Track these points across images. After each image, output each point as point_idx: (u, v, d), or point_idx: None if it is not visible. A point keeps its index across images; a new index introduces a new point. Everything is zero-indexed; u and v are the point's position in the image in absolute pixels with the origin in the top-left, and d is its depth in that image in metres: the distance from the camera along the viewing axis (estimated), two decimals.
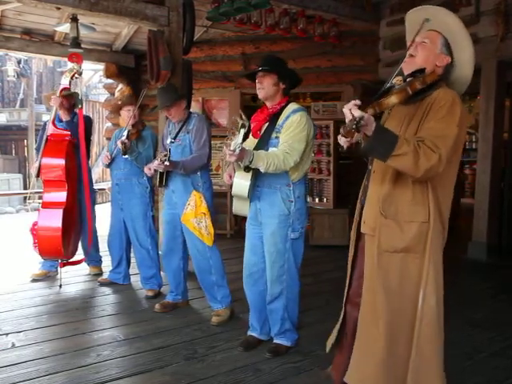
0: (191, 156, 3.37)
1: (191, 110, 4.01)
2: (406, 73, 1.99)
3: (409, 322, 1.91)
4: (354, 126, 1.69)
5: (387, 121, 2.10)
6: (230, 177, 2.87)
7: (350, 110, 1.73)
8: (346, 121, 1.75)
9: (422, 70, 1.94)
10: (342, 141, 2.05)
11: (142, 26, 4.86)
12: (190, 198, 3.35)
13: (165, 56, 4.29)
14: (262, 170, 2.60)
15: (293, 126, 2.66)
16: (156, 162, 3.26)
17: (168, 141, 3.53)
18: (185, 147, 3.42)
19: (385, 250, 1.95)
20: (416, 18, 2.04)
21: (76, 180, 4.10)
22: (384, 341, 1.92)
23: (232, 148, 2.47)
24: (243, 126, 2.69)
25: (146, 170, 3.58)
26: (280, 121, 2.72)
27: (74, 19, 4.75)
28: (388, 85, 1.95)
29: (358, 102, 1.77)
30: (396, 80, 1.95)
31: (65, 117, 4.19)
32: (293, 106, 2.76)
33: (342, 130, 1.79)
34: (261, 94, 2.76)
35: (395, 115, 2.06)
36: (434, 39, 1.98)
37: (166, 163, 3.17)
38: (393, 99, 1.83)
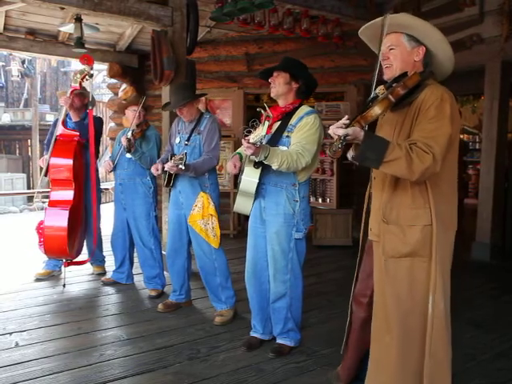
0: (202, 158, 3.31)
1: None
2: (388, 81, 1.98)
3: (420, 327, 1.90)
4: (339, 146, 1.67)
5: (381, 129, 2.08)
6: (235, 166, 2.83)
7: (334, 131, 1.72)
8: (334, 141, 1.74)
9: (404, 74, 1.91)
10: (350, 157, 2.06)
11: (146, 26, 4.86)
12: (198, 199, 3.32)
13: (168, 56, 4.30)
14: (275, 168, 2.58)
15: (306, 128, 2.67)
16: (170, 164, 3.14)
17: (177, 140, 3.48)
18: (194, 148, 3.38)
19: (390, 255, 1.94)
20: (373, 33, 2.04)
21: (83, 180, 4.12)
22: (397, 347, 1.92)
23: (253, 141, 2.44)
24: (268, 118, 2.70)
25: (153, 169, 3.49)
26: (293, 121, 2.72)
27: (78, 19, 4.77)
28: (372, 96, 1.92)
29: (345, 120, 1.76)
30: (379, 89, 1.92)
31: (74, 117, 4.21)
32: (306, 107, 2.78)
33: (328, 152, 1.77)
34: (273, 93, 2.79)
35: (387, 122, 2.04)
36: (398, 40, 1.97)
37: (181, 167, 3.03)
38: (376, 110, 1.79)
